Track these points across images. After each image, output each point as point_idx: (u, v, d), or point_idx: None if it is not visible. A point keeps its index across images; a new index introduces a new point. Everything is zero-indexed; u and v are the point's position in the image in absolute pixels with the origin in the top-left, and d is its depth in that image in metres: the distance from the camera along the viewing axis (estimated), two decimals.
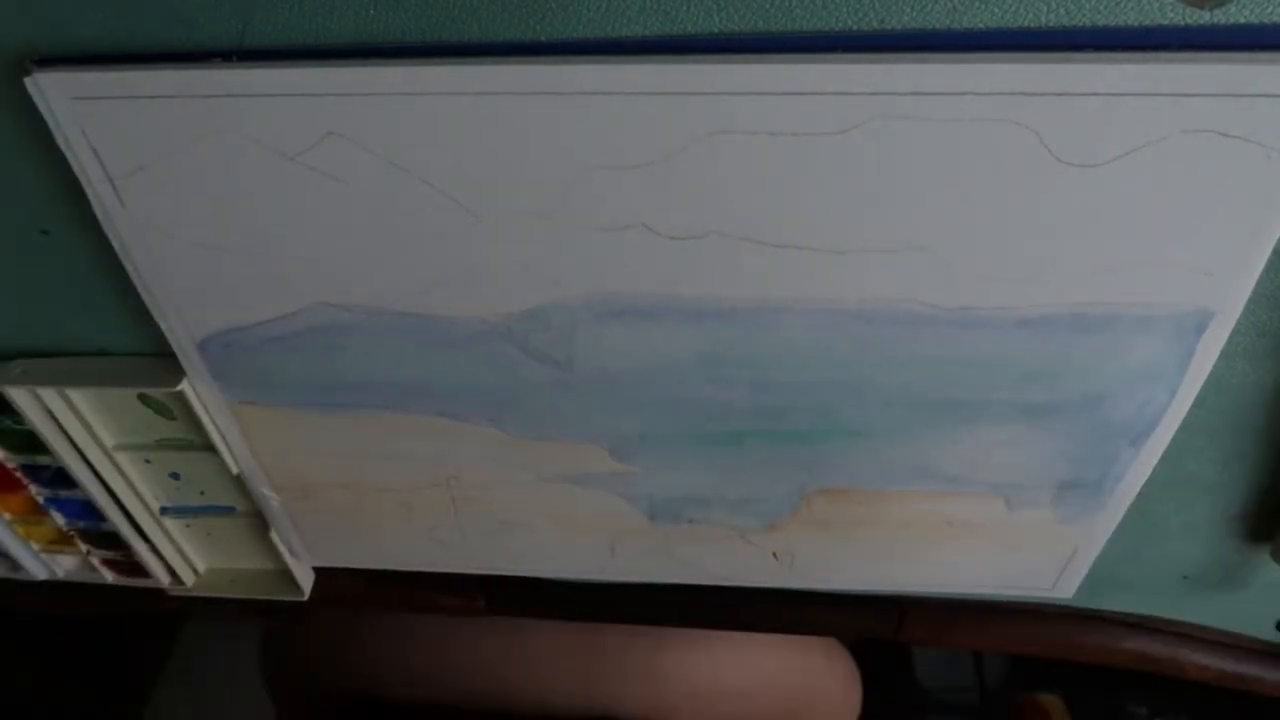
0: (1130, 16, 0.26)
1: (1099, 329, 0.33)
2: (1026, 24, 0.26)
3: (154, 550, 0.48)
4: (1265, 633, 0.47)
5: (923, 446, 0.39)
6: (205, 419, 0.41)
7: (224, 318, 0.37)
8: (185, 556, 0.50)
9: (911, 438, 0.38)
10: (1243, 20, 0.26)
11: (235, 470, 0.44)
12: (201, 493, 0.47)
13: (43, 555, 0.50)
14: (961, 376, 0.35)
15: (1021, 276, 0.32)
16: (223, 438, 0.42)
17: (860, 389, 0.36)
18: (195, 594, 0.51)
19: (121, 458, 0.44)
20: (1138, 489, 0.39)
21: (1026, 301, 0.33)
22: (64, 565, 0.51)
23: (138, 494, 0.46)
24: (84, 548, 0.49)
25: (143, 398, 0.41)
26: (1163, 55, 0.26)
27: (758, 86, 0.28)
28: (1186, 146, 0.28)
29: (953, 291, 0.33)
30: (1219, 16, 0.26)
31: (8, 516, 0.48)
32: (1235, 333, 0.33)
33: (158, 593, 0.51)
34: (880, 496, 0.41)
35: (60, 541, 0.49)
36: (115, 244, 0.34)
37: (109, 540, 0.48)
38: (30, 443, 0.42)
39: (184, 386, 0.39)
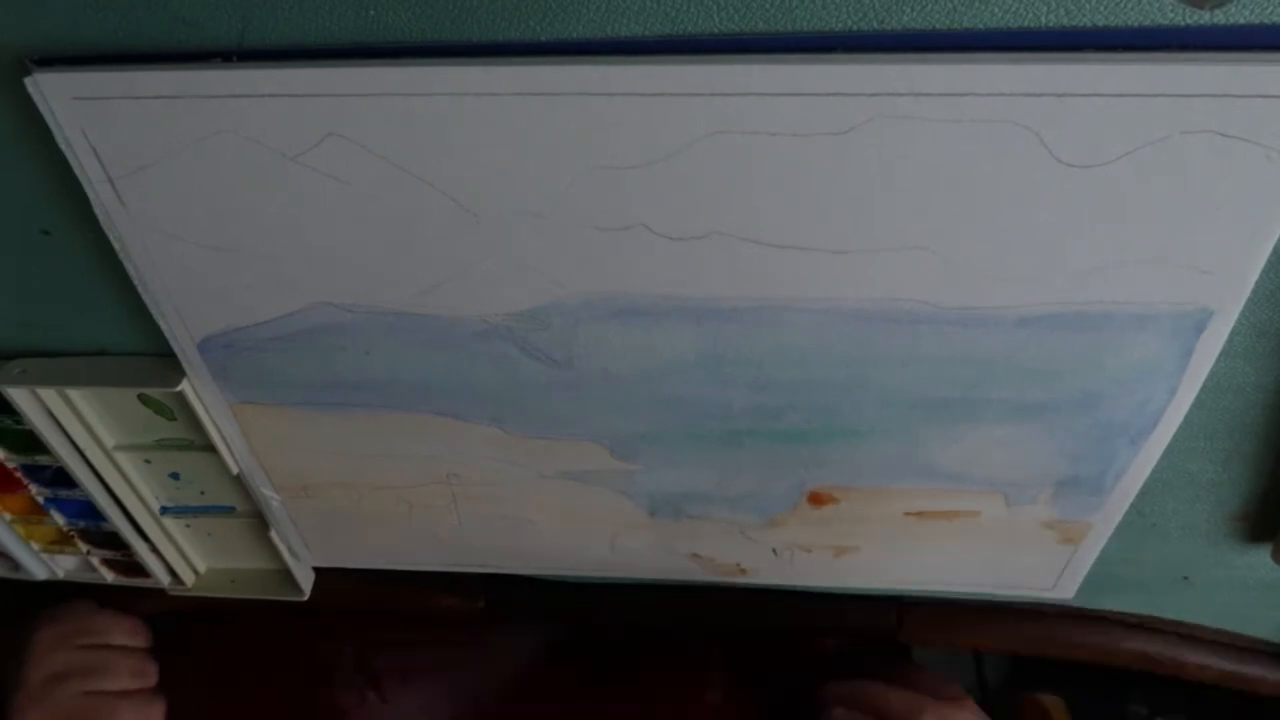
0: (1130, 17, 0.26)
1: (1098, 328, 0.33)
2: (1026, 25, 0.26)
3: (154, 550, 0.48)
4: (1266, 633, 0.47)
5: (922, 445, 0.39)
6: (205, 419, 0.41)
7: (224, 318, 0.37)
8: (185, 556, 0.50)
9: (911, 436, 0.38)
10: (1242, 21, 0.26)
11: (235, 470, 0.44)
12: (201, 493, 0.47)
13: (43, 555, 0.50)
14: (961, 375, 0.35)
15: (1021, 276, 0.32)
16: (223, 438, 0.42)
17: (860, 388, 0.36)
18: (195, 594, 0.51)
19: (121, 458, 0.44)
20: (1137, 488, 0.39)
21: (1026, 300, 0.33)
22: (64, 565, 0.51)
23: (138, 494, 0.46)
24: (84, 548, 0.49)
25: (143, 398, 0.41)
26: (1162, 56, 0.26)
27: (758, 87, 0.28)
28: (1186, 147, 0.28)
29: (952, 291, 0.33)
30: (1218, 17, 0.26)
31: (8, 516, 0.48)
32: (1235, 332, 0.33)
33: (158, 593, 0.51)
34: (880, 494, 0.41)
35: (60, 541, 0.49)
36: (115, 244, 0.34)
37: (109, 540, 0.48)
38: (30, 443, 0.42)
39: (184, 386, 0.39)
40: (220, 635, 0.58)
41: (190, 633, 0.56)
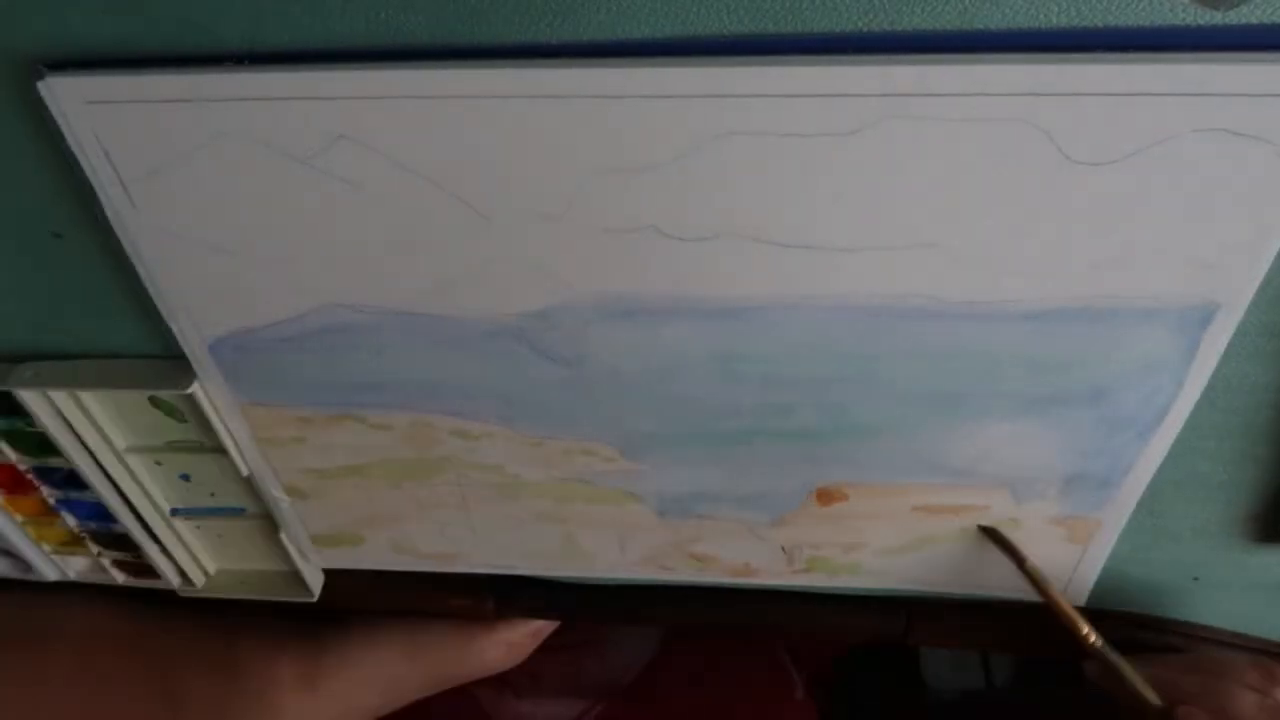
0: (1141, 17, 0.26)
1: (1105, 321, 0.33)
2: (1037, 25, 0.26)
3: (165, 552, 0.48)
4: (1277, 634, 0.47)
5: (931, 440, 0.39)
6: (215, 421, 0.41)
7: (235, 319, 0.37)
8: (196, 558, 0.50)
9: (920, 431, 0.38)
10: (1255, 21, 0.26)
11: (245, 472, 0.44)
12: (212, 494, 0.47)
13: (54, 557, 0.50)
14: (969, 369, 0.35)
15: (1029, 271, 0.32)
16: (233, 439, 0.42)
17: (869, 384, 0.36)
18: (205, 595, 0.51)
19: (132, 460, 0.44)
20: (1146, 483, 0.39)
21: (1033, 295, 0.33)
22: (75, 567, 0.52)
23: (148, 496, 0.46)
24: (95, 549, 0.49)
25: (154, 400, 0.42)
26: (1174, 56, 0.26)
27: (767, 89, 0.28)
28: (1196, 145, 0.28)
29: (960, 287, 0.33)
30: (1230, 17, 0.26)
31: (20, 518, 0.48)
32: (1246, 334, 0.33)
33: (168, 594, 0.51)
34: (888, 490, 0.41)
35: (71, 543, 0.50)
36: (127, 247, 0.34)
37: (120, 542, 0.48)
38: (42, 445, 0.43)
39: (194, 389, 0.39)
40: None
41: None
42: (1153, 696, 0.39)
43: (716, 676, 0.66)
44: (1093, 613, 0.48)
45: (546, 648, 0.59)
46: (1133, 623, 0.48)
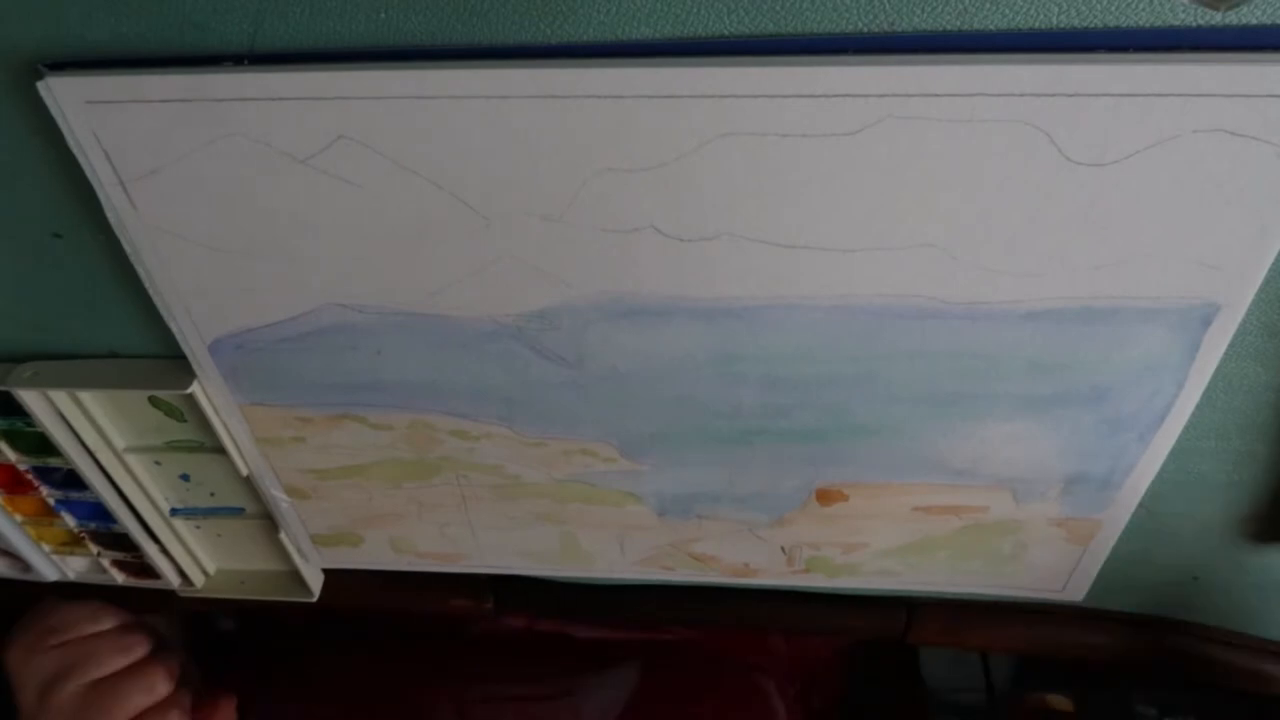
0: (1141, 18, 0.26)
1: (1105, 321, 0.33)
2: (1037, 25, 0.26)
3: (164, 552, 0.49)
4: (1277, 633, 0.47)
5: (931, 440, 0.39)
6: (215, 421, 0.41)
7: (235, 319, 0.37)
8: (195, 558, 0.50)
9: (920, 432, 0.38)
10: (1254, 21, 0.26)
11: (245, 472, 0.44)
12: (211, 494, 0.47)
13: (53, 557, 0.50)
14: (969, 370, 0.35)
15: (1029, 272, 0.32)
16: (232, 439, 0.42)
17: (869, 384, 0.36)
18: (205, 595, 0.51)
19: (132, 459, 0.44)
20: (1146, 485, 0.39)
21: (1034, 295, 0.33)
22: (75, 567, 0.52)
23: (148, 496, 0.46)
24: (94, 549, 0.49)
25: (153, 400, 0.42)
26: (1174, 56, 0.26)
27: (768, 89, 0.28)
28: (1197, 145, 0.28)
29: (961, 287, 0.33)
30: (1230, 18, 0.26)
31: (19, 518, 0.48)
32: (1247, 334, 0.33)
33: (168, 594, 0.52)
34: (889, 490, 0.41)
35: (71, 543, 0.50)
36: (127, 247, 0.34)
37: (119, 542, 0.49)
38: (42, 445, 0.43)
39: (194, 388, 0.39)
40: (317, 689, 0.59)
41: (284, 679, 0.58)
42: None
43: (696, 714, 0.62)
44: (1092, 613, 0.48)
45: (516, 698, 0.57)
46: (1133, 623, 0.48)
